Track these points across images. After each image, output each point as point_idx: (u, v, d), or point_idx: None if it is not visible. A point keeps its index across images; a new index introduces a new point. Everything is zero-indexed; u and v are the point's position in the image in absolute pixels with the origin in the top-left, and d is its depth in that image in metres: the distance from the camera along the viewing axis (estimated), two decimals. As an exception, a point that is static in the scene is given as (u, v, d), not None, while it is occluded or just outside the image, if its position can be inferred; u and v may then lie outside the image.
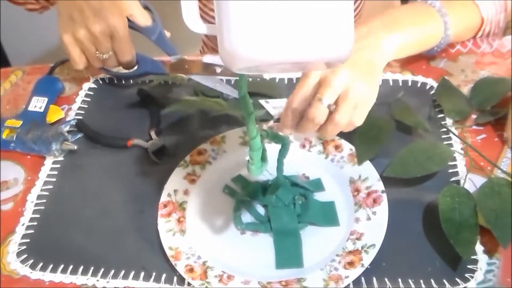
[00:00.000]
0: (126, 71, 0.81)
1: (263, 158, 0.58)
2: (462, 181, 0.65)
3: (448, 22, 0.73)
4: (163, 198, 0.67)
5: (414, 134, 0.71)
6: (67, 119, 0.81)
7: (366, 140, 0.69)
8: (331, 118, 0.59)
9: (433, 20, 0.73)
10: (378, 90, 0.63)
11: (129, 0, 0.78)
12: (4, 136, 0.77)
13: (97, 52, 0.76)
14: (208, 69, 0.74)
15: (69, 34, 0.74)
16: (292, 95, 0.60)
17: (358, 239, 0.61)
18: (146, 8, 0.80)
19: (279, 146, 0.62)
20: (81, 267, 0.63)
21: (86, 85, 0.86)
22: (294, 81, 0.81)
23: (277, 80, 0.81)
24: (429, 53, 0.78)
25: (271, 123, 0.73)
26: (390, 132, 0.71)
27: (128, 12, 0.77)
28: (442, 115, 0.73)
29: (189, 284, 0.60)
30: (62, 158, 0.76)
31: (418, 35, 0.72)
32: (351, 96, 0.58)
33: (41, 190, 0.72)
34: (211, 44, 1.15)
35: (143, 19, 0.78)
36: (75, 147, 0.75)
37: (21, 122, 0.78)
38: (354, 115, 0.60)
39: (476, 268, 0.58)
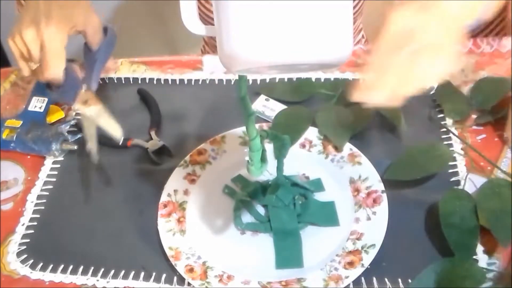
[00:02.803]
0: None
1: (263, 159, 0.58)
2: (462, 182, 0.65)
3: None
4: (163, 198, 0.67)
5: (413, 134, 0.71)
6: (67, 119, 0.81)
7: (340, 126, 0.71)
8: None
9: None
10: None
11: (92, 14, 0.71)
12: (4, 136, 0.77)
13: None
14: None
15: (12, 33, 0.69)
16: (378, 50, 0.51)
17: (358, 239, 0.61)
18: (105, 29, 0.74)
19: (279, 146, 0.62)
20: (81, 267, 0.63)
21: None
22: (294, 80, 0.81)
23: (277, 80, 0.82)
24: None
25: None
26: (366, 120, 0.73)
27: (82, 26, 0.70)
28: (442, 115, 0.73)
29: (189, 284, 0.60)
30: (62, 158, 0.76)
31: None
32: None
33: (41, 190, 0.72)
34: (213, 43, 1.15)
35: (93, 40, 0.73)
36: (75, 147, 0.75)
37: (21, 122, 0.78)
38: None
39: (476, 268, 0.58)
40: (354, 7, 0.97)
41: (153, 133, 0.76)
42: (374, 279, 0.58)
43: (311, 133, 0.72)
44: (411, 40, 0.51)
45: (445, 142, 0.70)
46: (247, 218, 0.66)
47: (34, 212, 0.70)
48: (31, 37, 0.67)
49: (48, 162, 0.75)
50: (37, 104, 0.81)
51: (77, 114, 0.82)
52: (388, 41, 0.51)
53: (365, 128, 0.72)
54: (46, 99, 0.81)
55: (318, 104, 0.76)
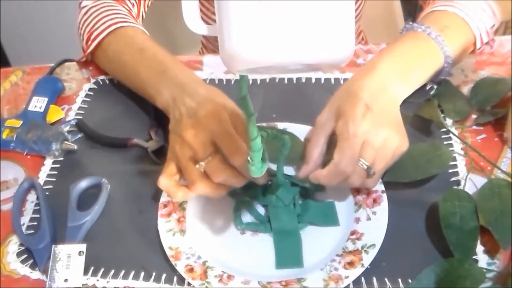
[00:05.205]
0: None
1: (264, 159, 0.58)
2: (462, 182, 0.65)
3: (449, 57, 0.72)
4: (163, 198, 0.67)
5: (413, 134, 0.71)
6: (67, 119, 0.81)
7: None
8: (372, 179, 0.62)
9: (436, 58, 0.71)
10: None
11: None
12: (4, 136, 0.77)
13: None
14: None
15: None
16: (339, 156, 0.59)
17: (358, 239, 0.61)
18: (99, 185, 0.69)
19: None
20: (81, 267, 0.63)
21: (87, 86, 0.86)
22: (294, 82, 0.81)
23: (277, 81, 0.82)
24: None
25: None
26: None
27: None
28: (442, 115, 0.73)
29: (189, 284, 0.60)
30: (62, 158, 0.76)
31: (424, 78, 0.72)
32: (394, 158, 0.62)
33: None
34: (210, 46, 1.15)
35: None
36: (75, 147, 0.75)
37: (21, 122, 0.78)
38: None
39: (476, 268, 0.58)
40: (355, 9, 0.97)
41: (153, 133, 0.76)
42: (374, 279, 0.58)
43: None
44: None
45: (445, 142, 0.70)
46: (247, 218, 0.66)
47: (34, 212, 0.70)
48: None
49: (48, 162, 0.75)
50: (37, 104, 0.81)
51: (77, 114, 0.82)
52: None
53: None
54: (46, 99, 0.82)
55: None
